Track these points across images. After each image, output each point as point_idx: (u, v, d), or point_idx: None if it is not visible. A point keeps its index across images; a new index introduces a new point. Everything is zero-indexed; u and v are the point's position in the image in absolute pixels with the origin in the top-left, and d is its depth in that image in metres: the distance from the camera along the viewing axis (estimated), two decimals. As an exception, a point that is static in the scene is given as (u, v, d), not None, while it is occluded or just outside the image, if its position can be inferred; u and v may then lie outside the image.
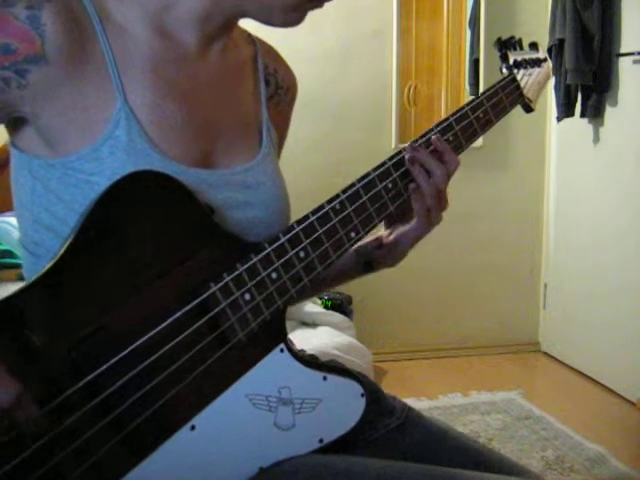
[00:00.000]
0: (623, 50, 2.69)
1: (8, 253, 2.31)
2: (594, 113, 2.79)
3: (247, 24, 0.94)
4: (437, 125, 0.93)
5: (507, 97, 1.04)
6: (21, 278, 2.26)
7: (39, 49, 0.69)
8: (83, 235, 0.65)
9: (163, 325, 0.68)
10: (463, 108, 0.97)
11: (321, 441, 0.79)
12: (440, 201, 0.90)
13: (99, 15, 0.75)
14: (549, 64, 1.16)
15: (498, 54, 1.10)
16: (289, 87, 0.97)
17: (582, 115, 2.84)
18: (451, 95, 3.20)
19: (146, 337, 0.67)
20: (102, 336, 0.65)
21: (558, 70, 2.85)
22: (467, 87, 3.20)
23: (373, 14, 3.02)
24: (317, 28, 2.96)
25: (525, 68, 1.09)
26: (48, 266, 0.63)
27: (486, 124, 0.99)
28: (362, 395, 0.83)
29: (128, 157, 0.72)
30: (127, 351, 0.66)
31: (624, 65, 2.70)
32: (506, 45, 1.10)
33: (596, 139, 2.88)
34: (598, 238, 2.88)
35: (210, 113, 0.83)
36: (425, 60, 3.18)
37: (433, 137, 0.91)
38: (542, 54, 1.15)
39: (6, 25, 0.68)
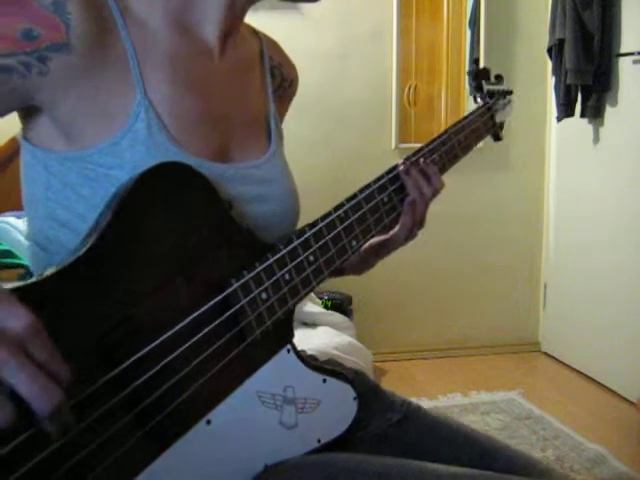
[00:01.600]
0: (623, 50, 2.69)
1: (8, 253, 2.31)
2: (594, 113, 2.80)
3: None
4: (426, 145, 0.98)
5: (484, 124, 1.12)
6: (21, 278, 2.27)
7: (63, 36, 0.69)
8: (113, 226, 0.65)
9: (190, 318, 0.68)
10: (446, 132, 1.02)
11: (319, 441, 0.81)
12: (423, 218, 0.96)
13: (120, 9, 0.75)
14: (513, 97, 1.24)
15: (472, 84, 1.16)
16: (292, 80, 0.99)
17: (582, 115, 2.84)
18: (451, 95, 3.20)
19: (174, 330, 0.67)
20: (127, 329, 0.64)
21: (558, 70, 2.85)
22: (467, 87, 3.20)
23: (373, 14, 3.02)
24: (317, 28, 2.96)
25: (497, 99, 1.17)
26: (76, 256, 0.62)
27: (466, 148, 1.04)
28: (354, 399, 0.85)
29: (147, 151, 0.73)
30: (155, 343, 0.65)
31: (624, 65, 2.70)
32: (480, 75, 1.15)
33: (596, 139, 2.88)
34: (598, 238, 2.88)
35: (225, 107, 0.83)
36: (425, 60, 3.18)
37: (422, 162, 0.96)
38: (507, 86, 1.23)
39: (30, 11, 0.68)
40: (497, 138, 1.19)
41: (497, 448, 0.90)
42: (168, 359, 0.66)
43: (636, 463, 2.19)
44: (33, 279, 0.61)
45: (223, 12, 0.82)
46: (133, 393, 0.64)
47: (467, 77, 1.19)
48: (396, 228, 0.95)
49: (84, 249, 0.63)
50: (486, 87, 1.15)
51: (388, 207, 0.91)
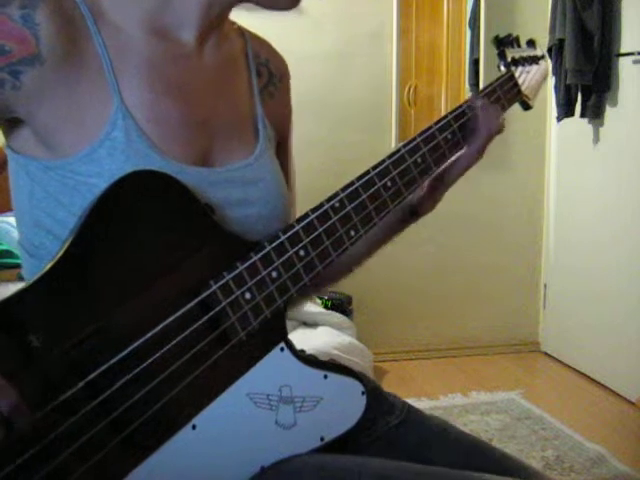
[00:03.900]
0: (623, 50, 2.69)
1: (8, 253, 2.31)
2: (594, 113, 2.79)
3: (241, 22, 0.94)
4: (436, 123, 0.93)
5: (505, 95, 1.03)
6: (21, 278, 2.25)
7: (34, 49, 0.68)
8: (82, 236, 0.65)
9: (163, 324, 0.68)
10: (461, 106, 0.97)
11: (322, 439, 0.79)
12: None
13: (93, 15, 0.74)
14: (547, 61, 1.15)
15: (496, 52, 1.10)
16: (282, 75, 0.96)
17: (582, 115, 2.83)
18: (451, 95, 3.19)
19: (146, 337, 0.67)
20: (103, 336, 0.64)
21: (558, 70, 2.85)
22: (467, 87, 3.20)
23: (373, 14, 3.02)
24: (317, 28, 2.96)
25: (523, 65, 1.09)
26: (47, 267, 0.63)
27: None
28: (363, 393, 0.83)
29: (127, 158, 0.72)
30: (127, 351, 0.65)
31: (624, 65, 2.70)
32: (504, 43, 1.10)
33: (596, 139, 2.88)
34: (598, 238, 2.88)
35: (208, 110, 0.82)
36: (425, 60, 3.18)
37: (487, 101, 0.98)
38: (540, 51, 1.15)
39: (1, 26, 0.68)
40: (526, 107, 1.11)
41: (496, 454, 0.89)
42: (142, 366, 0.66)
43: (636, 463, 2.19)
44: (4, 297, 0.61)
45: (200, 15, 0.81)
46: (108, 401, 0.64)
47: (491, 44, 1.11)
48: (463, 150, 0.95)
49: (52, 260, 0.63)
50: (510, 55, 1.08)
51: (392, 192, 0.87)
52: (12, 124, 0.75)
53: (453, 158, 0.96)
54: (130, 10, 0.78)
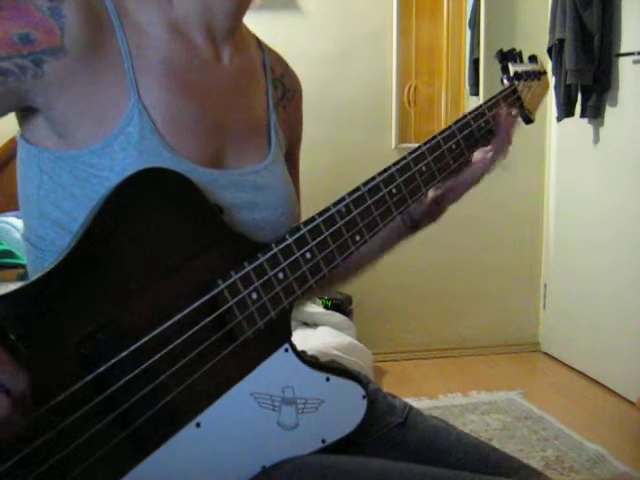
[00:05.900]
0: (623, 50, 2.69)
1: (8, 253, 2.31)
2: (594, 113, 2.79)
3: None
4: (440, 133, 0.94)
5: (509, 107, 1.04)
6: (21, 278, 2.27)
7: (58, 40, 0.70)
8: (93, 230, 0.66)
9: (171, 322, 0.68)
10: (465, 117, 0.98)
11: (323, 441, 0.80)
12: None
13: (118, 12, 0.76)
14: (548, 77, 1.17)
15: (499, 65, 1.11)
16: (295, 90, 0.99)
17: (582, 115, 2.84)
18: (451, 95, 3.20)
19: (153, 333, 0.67)
20: (110, 332, 0.65)
21: (558, 70, 2.85)
22: (467, 87, 3.20)
23: (373, 15, 3.02)
24: (318, 29, 2.96)
25: (525, 80, 1.11)
26: (57, 260, 0.63)
27: (488, 133, 0.99)
28: (364, 397, 0.83)
29: (139, 154, 0.73)
30: (135, 347, 0.66)
31: (624, 65, 2.70)
32: (507, 57, 1.12)
33: (596, 139, 2.88)
34: (598, 238, 2.88)
35: (222, 115, 0.83)
36: (425, 60, 3.18)
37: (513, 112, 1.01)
38: (541, 67, 1.17)
39: (27, 15, 0.69)
40: (528, 121, 1.12)
41: (496, 455, 0.89)
42: (149, 362, 0.66)
43: (636, 463, 2.19)
44: (15, 287, 0.61)
45: (204, 22, 0.82)
46: (114, 396, 0.64)
47: (494, 59, 1.12)
48: (484, 154, 0.97)
49: (64, 253, 0.64)
50: (513, 69, 1.10)
51: (397, 199, 0.87)
52: (27, 114, 0.75)
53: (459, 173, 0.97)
54: (152, 10, 0.79)
